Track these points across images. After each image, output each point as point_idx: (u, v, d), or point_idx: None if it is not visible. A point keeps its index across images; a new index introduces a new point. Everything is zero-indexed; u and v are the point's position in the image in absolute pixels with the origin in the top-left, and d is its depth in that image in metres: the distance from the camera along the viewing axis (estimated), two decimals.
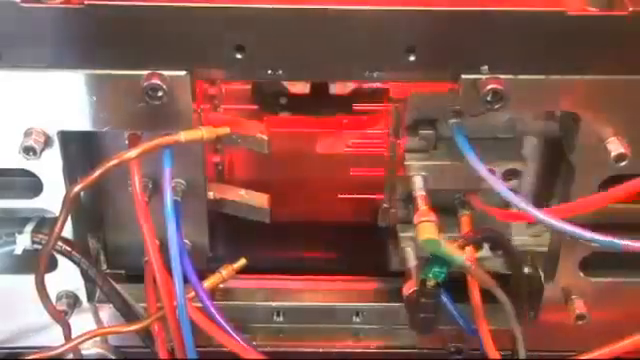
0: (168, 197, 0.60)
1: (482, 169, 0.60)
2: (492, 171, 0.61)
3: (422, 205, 0.62)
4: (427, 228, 0.59)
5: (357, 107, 0.70)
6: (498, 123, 0.65)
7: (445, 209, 0.66)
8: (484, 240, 0.67)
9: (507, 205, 0.64)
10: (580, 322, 0.69)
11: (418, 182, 0.65)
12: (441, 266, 0.60)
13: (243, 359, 0.65)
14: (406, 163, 0.66)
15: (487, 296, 0.70)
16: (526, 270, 0.73)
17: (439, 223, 0.61)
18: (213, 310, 0.65)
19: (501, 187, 0.60)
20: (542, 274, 0.70)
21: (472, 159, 0.61)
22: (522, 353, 0.65)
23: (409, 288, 0.66)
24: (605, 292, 0.69)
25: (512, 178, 0.64)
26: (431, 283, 0.60)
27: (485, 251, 0.69)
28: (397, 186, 0.70)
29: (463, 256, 0.60)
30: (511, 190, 0.60)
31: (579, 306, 0.69)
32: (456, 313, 0.68)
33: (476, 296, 0.65)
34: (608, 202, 0.58)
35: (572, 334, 0.70)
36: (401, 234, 0.70)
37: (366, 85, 0.70)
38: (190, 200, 0.67)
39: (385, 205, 0.72)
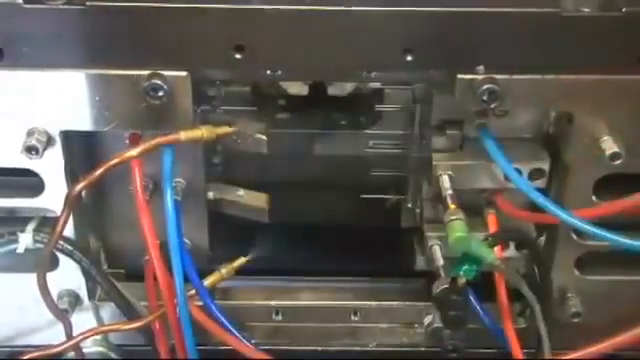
0: (168, 196, 0.60)
1: (509, 169, 0.61)
2: (518, 171, 0.62)
3: (451, 203, 0.62)
4: (458, 226, 0.59)
5: (379, 108, 0.70)
6: (522, 123, 0.65)
7: (470, 208, 0.66)
8: (512, 239, 0.67)
9: (532, 203, 0.63)
10: (575, 320, 0.69)
11: (446, 181, 0.65)
12: (471, 264, 0.60)
13: (243, 357, 0.66)
14: (434, 163, 0.65)
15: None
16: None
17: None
18: (214, 308, 0.65)
19: (528, 187, 0.60)
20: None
21: (499, 159, 0.61)
22: (547, 352, 0.64)
23: (438, 286, 0.64)
24: (600, 290, 0.70)
25: (538, 177, 0.64)
26: (462, 281, 0.61)
27: (511, 250, 0.69)
28: (423, 186, 0.70)
29: (494, 254, 0.60)
30: (538, 190, 0.60)
31: (575, 304, 0.69)
32: (482, 312, 0.68)
33: (502, 295, 0.65)
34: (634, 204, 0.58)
35: (568, 332, 0.71)
36: (428, 233, 0.70)
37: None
38: (190, 199, 0.67)
39: (409, 205, 0.73)
